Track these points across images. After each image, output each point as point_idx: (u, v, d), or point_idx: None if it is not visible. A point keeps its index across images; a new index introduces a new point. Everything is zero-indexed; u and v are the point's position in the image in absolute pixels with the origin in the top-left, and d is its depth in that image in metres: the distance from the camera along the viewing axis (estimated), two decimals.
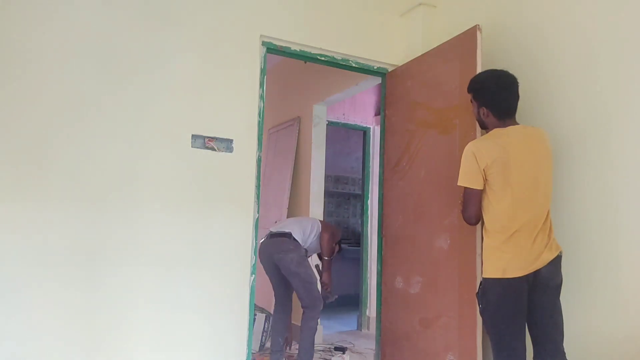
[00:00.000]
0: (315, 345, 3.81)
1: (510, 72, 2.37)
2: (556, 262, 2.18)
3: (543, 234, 2.17)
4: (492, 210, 2.21)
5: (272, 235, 3.60)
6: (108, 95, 2.75)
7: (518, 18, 2.86)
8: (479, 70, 2.70)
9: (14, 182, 2.53)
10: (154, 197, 2.81)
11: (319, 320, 3.55)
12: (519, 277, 2.12)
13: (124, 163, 2.76)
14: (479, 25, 2.77)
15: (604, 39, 2.40)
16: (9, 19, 2.57)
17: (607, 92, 2.37)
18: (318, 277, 3.68)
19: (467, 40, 2.82)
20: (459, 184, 2.28)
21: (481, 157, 2.18)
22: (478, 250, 2.60)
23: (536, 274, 2.13)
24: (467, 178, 2.23)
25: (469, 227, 2.64)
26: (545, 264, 2.14)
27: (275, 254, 3.48)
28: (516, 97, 2.32)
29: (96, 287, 2.66)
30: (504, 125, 2.28)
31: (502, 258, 2.15)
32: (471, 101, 2.43)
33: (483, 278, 2.23)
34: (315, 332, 3.53)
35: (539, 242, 2.15)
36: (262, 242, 3.57)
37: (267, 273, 3.63)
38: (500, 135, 2.24)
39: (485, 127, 2.37)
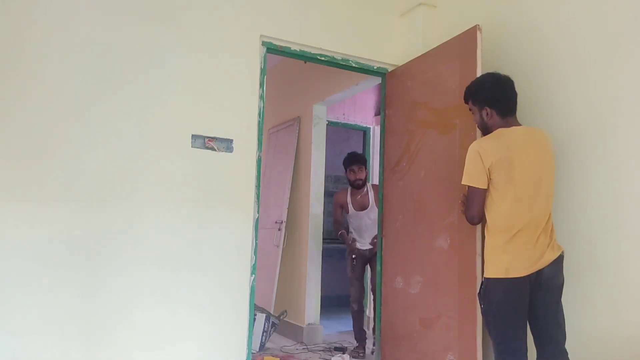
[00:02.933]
0: (315, 345, 3.84)
1: (510, 71, 2.38)
2: (558, 262, 2.18)
3: (545, 234, 2.17)
4: (495, 210, 2.20)
5: None
6: (108, 95, 2.75)
7: (518, 18, 2.86)
8: (479, 70, 2.70)
9: (14, 182, 2.53)
10: (154, 197, 2.81)
11: (352, 305, 4.22)
12: (522, 277, 2.11)
13: (124, 163, 2.76)
14: (479, 25, 2.77)
15: (603, 39, 2.40)
16: (8, 19, 2.57)
17: (605, 92, 2.37)
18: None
19: (467, 40, 2.82)
20: (463, 182, 2.27)
21: (486, 156, 2.18)
22: (478, 250, 2.60)
23: (539, 274, 2.13)
24: (472, 177, 2.23)
25: (469, 227, 2.64)
26: (548, 263, 2.14)
27: None
28: (514, 93, 2.32)
29: (96, 286, 2.66)
30: (507, 126, 2.27)
31: (505, 258, 2.15)
32: (470, 109, 2.43)
33: (485, 278, 2.22)
34: (353, 316, 4.25)
35: (542, 242, 2.15)
36: None
37: None
38: (504, 134, 2.24)
39: (488, 131, 2.35)
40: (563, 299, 2.22)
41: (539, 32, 2.72)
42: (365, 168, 4.31)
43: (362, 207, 4.23)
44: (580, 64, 2.50)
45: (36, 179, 2.57)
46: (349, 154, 4.35)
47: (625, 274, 2.24)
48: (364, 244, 4.22)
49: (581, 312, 2.36)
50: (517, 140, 2.21)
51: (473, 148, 2.24)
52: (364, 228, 4.22)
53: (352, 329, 4.33)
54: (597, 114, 2.40)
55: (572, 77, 2.53)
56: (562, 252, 2.20)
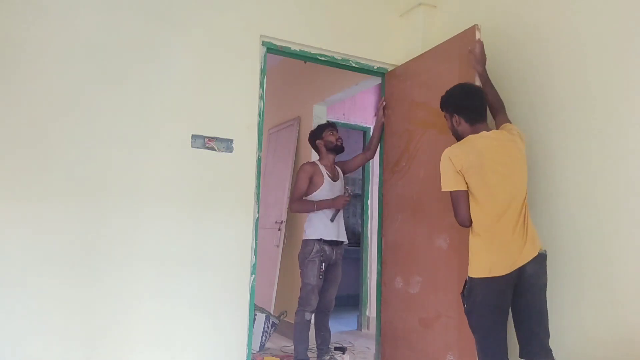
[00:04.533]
0: (315, 345, 3.82)
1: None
2: (541, 262, 2.23)
3: (522, 229, 2.22)
4: (474, 212, 2.26)
5: None
6: (108, 94, 2.75)
7: (517, 19, 2.86)
8: None
9: (14, 181, 2.53)
10: (153, 197, 2.81)
11: (306, 316, 3.56)
12: (504, 276, 2.17)
13: (124, 162, 2.76)
14: (477, 24, 2.77)
15: (602, 39, 2.40)
16: (8, 17, 2.57)
17: (604, 93, 2.37)
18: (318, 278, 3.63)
19: (466, 39, 2.82)
20: (443, 189, 2.33)
21: (457, 160, 2.25)
22: None
23: (521, 272, 2.18)
24: (450, 182, 2.29)
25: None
26: (529, 260, 2.19)
27: None
28: (482, 102, 2.43)
29: (96, 286, 2.66)
30: (477, 131, 2.36)
31: (487, 258, 2.21)
32: (445, 117, 2.52)
33: (469, 277, 2.28)
34: (301, 326, 3.56)
35: (517, 236, 2.20)
36: None
37: None
38: (473, 139, 2.33)
39: (459, 137, 2.43)
40: (553, 300, 2.25)
41: (538, 32, 2.72)
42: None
43: (335, 177, 3.74)
44: (579, 65, 2.50)
45: (36, 178, 2.57)
46: (319, 125, 3.92)
47: (616, 274, 2.24)
48: (337, 231, 3.64)
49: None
50: (487, 144, 2.29)
51: (444, 155, 2.32)
52: None
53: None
54: (595, 115, 2.40)
55: (570, 78, 2.53)
56: (544, 251, 2.25)
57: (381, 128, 3.63)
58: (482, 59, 2.71)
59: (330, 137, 3.73)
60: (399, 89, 3.48)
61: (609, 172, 2.32)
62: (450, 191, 2.30)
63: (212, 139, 2.97)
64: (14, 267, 2.50)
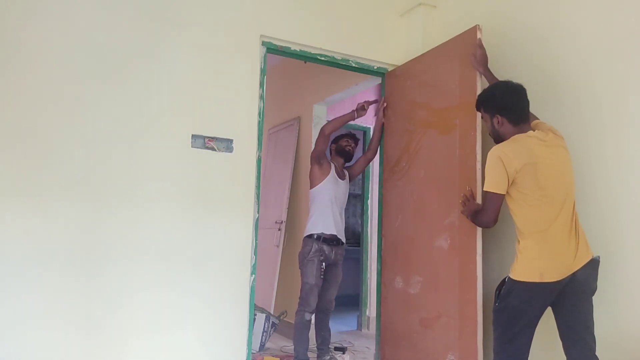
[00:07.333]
0: (315, 345, 3.83)
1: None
2: (593, 268, 2.14)
3: (574, 232, 2.14)
4: (526, 214, 2.17)
5: None
6: (108, 94, 2.75)
7: (518, 19, 2.86)
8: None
9: (17, 180, 2.53)
10: (153, 197, 2.81)
11: (306, 316, 3.58)
12: (556, 282, 2.08)
13: (124, 162, 2.76)
14: (479, 25, 2.77)
15: (602, 39, 2.41)
16: (9, 17, 2.57)
17: (605, 92, 2.38)
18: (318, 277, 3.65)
19: (467, 40, 2.82)
20: (485, 189, 2.23)
21: (509, 161, 2.14)
22: (478, 250, 2.61)
23: (572, 278, 2.09)
24: (494, 183, 2.18)
25: (469, 227, 2.64)
26: (580, 267, 2.10)
27: None
28: (527, 102, 2.30)
29: (95, 287, 2.66)
30: (522, 131, 2.24)
31: (540, 262, 2.11)
32: (482, 117, 2.41)
33: (511, 279, 2.17)
34: (301, 327, 3.59)
35: (572, 244, 2.12)
36: None
37: None
38: (523, 138, 2.21)
39: (500, 139, 2.29)
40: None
41: (539, 32, 2.72)
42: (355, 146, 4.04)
43: (342, 177, 3.89)
44: (579, 64, 2.50)
45: (38, 177, 2.57)
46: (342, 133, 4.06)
47: (627, 274, 2.24)
48: (336, 228, 3.73)
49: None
50: (537, 144, 2.18)
51: (494, 153, 2.19)
52: (342, 202, 3.82)
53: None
54: (596, 115, 2.40)
55: (570, 77, 2.53)
56: (598, 257, 2.16)
57: (381, 128, 3.67)
58: (483, 60, 2.69)
59: (342, 142, 3.97)
60: (399, 89, 3.48)
61: (618, 171, 2.31)
62: (488, 191, 2.22)
63: (212, 139, 2.97)
64: (17, 263, 2.49)
